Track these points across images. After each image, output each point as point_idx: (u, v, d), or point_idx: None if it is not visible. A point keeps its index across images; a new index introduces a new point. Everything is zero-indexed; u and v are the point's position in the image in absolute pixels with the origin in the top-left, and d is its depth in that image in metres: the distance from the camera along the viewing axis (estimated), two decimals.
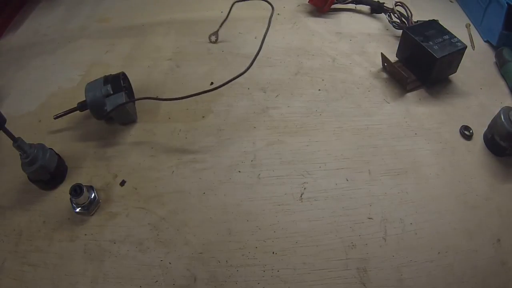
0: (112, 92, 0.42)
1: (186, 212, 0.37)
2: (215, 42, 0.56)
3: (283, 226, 0.36)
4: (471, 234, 0.36)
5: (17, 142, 0.36)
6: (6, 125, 0.34)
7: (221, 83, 0.42)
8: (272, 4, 0.63)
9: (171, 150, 0.42)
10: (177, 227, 0.36)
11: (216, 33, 0.55)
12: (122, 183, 0.40)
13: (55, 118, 0.43)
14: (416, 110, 0.47)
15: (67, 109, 0.44)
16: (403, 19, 0.55)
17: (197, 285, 0.33)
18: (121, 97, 0.42)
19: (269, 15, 0.61)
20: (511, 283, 0.34)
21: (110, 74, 0.44)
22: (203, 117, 0.45)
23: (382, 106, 0.47)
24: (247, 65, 0.43)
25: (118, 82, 0.43)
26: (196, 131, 0.44)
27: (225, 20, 0.54)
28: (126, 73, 0.46)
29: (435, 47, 0.45)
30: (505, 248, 0.35)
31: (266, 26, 0.59)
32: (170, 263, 0.34)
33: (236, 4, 0.54)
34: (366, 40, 0.56)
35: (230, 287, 0.33)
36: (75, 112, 0.44)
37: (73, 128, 0.45)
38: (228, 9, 0.62)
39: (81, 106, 0.43)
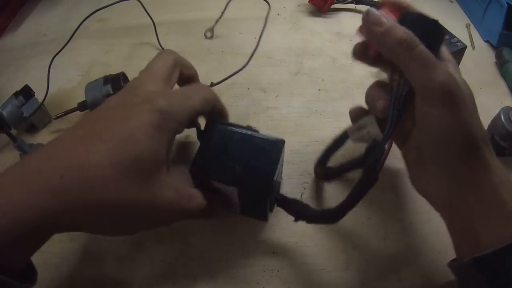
0: (112, 92, 0.42)
1: None
2: (211, 38, 0.56)
3: (283, 226, 0.36)
4: None
5: (17, 142, 0.36)
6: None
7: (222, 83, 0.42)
8: (271, 3, 0.63)
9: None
10: (177, 227, 0.36)
11: (211, 30, 0.56)
12: None
13: (54, 119, 0.44)
14: None
15: (67, 109, 0.44)
16: None
17: (197, 285, 0.33)
18: None
19: (269, 15, 0.61)
20: None
21: (110, 75, 0.44)
22: None
23: None
24: (247, 64, 0.43)
25: (118, 82, 0.43)
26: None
27: (220, 17, 0.55)
28: (126, 73, 0.46)
29: None
30: None
31: (266, 26, 0.59)
32: (170, 263, 0.34)
33: (236, 4, 0.54)
34: None
35: (230, 287, 0.33)
36: (75, 112, 0.44)
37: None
38: (228, 10, 0.62)
39: (81, 107, 0.44)
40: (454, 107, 0.25)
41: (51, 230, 0.23)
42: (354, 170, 0.34)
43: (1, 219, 0.20)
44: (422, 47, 0.26)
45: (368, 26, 0.28)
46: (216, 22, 0.55)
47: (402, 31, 0.26)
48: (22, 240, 0.21)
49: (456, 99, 0.26)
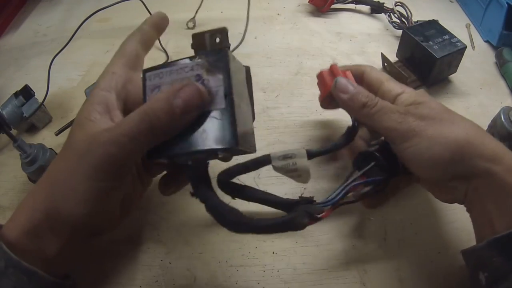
0: None
1: (186, 212, 0.37)
2: (193, 28, 0.57)
3: None
4: (471, 234, 0.36)
5: (17, 142, 0.36)
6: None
7: None
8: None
9: None
10: (177, 227, 0.36)
11: (193, 20, 0.57)
12: None
13: (56, 135, 0.43)
14: None
15: (68, 122, 0.43)
16: (403, 19, 0.55)
17: (197, 285, 0.33)
18: None
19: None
20: None
21: None
22: None
23: None
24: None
25: None
26: None
27: (199, 7, 0.57)
28: None
29: (435, 47, 0.45)
30: None
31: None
32: (170, 263, 0.34)
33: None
34: (366, 40, 0.56)
35: (230, 287, 0.33)
36: None
37: None
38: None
39: None
40: (418, 138, 0.28)
41: (58, 223, 0.26)
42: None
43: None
44: (379, 105, 0.30)
45: (336, 93, 0.32)
46: (197, 12, 0.57)
47: (364, 97, 0.31)
48: (40, 234, 0.25)
49: (413, 133, 0.28)
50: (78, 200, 0.25)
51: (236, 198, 0.29)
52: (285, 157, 0.31)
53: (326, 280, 0.33)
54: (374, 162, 0.31)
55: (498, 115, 0.40)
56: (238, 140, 0.24)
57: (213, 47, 0.28)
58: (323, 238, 0.36)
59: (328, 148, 0.32)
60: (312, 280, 0.33)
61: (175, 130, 0.25)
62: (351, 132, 0.33)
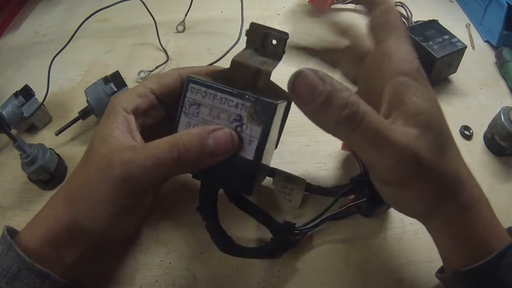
0: (116, 89, 0.42)
1: (186, 212, 0.37)
2: (183, 31, 0.57)
3: None
4: None
5: (17, 142, 0.36)
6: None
7: None
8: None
9: None
10: (177, 227, 0.36)
11: (182, 23, 0.57)
12: None
13: (56, 135, 0.43)
14: None
15: (68, 122, 0.43)
16: (403, 19, 0.55)
17: (197, 285, 0.33)
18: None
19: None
20: None
21: (107, 75, 0.43)
22: None
23: None
24: None
25: (120, 78, 0.43)
26: None
27: (189, 10, 0.56)
28: (127, 73, 0.46)
29: (435, 47, 0.45)
30: None
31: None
32: (170, 263, 0.34)
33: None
34: None
35: (230, 287, 0.33)
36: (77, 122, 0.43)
37: (73, 127, 0.45)
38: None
39: (84, 114, 0.43)
40: (404, 190, 0.24)
41: (78, 235, 0.27)
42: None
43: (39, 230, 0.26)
44: (368, 119, 0.20)
45: (295, 101, 0.21)
46: (186, 15, 0.57)
47: (342, 105, 0.20)
48: (60, 245, 0.26)
49: (404, 184, 0.23)
50: (98, 215, 0.26)
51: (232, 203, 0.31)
52: (288, 178, 0.35)
53: (326, 280, 0.33)
54: (365, 198, 0.33)
55: (498, 115, 0.40)
56: (252, 191, 0.26)
57: (266, 47, 0.28)
58: (323, 238, 0.36)
59: (325, 192, 0.36)
60: (312, 280, 0.33)
61: (200, 167, 0.25)
62: (352, 189, 0.34)
